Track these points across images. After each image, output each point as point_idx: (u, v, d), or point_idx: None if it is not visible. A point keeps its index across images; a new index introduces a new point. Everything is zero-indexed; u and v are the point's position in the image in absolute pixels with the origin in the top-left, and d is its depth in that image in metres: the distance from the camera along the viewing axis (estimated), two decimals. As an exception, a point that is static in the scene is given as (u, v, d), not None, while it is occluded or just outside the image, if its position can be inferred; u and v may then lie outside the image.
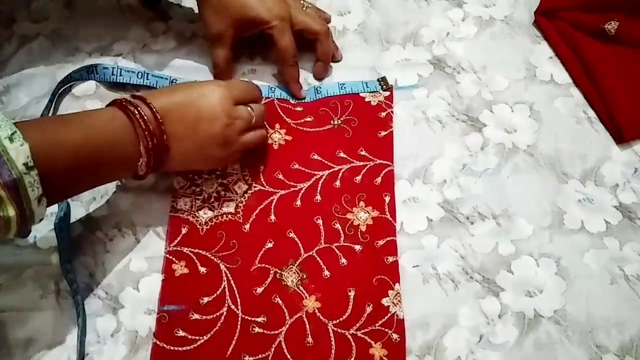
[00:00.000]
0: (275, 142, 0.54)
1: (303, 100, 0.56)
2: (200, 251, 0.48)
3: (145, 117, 0.43)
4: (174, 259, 0.48)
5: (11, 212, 0.36)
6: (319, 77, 0.58)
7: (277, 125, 0.55)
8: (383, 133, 0.54)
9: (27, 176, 0.36)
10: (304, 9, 0.57)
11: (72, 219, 0.50)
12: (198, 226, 0.49)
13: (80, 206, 0.51)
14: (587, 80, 0.58)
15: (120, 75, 0.55)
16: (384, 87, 0.57)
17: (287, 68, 0.55)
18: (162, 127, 0.44)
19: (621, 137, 0.54)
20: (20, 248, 0.49)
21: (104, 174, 0.44)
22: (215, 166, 0.51)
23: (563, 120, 0.56)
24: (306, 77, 0.58)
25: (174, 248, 0.48)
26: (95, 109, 0.45)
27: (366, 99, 0.56)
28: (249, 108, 0.48)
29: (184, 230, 0.49)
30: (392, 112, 0.55)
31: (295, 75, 0.56)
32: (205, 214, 0.50)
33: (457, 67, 0.59)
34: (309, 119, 0.55)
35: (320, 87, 0.57)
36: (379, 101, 0.56)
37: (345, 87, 0.57)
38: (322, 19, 0.59)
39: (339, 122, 0.55)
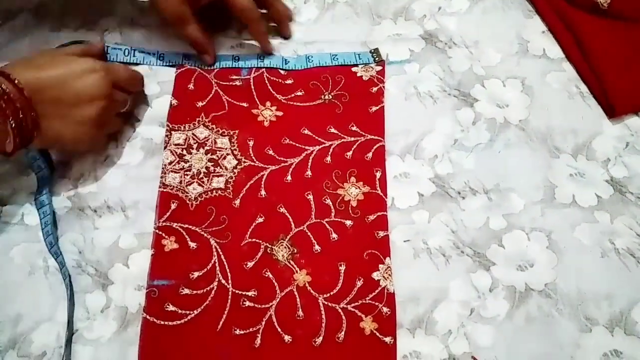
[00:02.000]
0: (266, 119, 0.53)
1: (294, 68, 0.56)
2: (190, 226, 0.48)
3: (11, 95, 0.41)
4: (163, 234, 0.47)
5: None
6: (286, 36, 0.58)
7: (268, 103, 0.54)
8: (374, 108, 0.54)
9: None
10: None
11: (60, 196, 0.50)
12: (187, 201, 0.49)
13: (69, 182, 0.50)
14: (580, 54, 0.57)
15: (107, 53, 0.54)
16: (377, 58, 0.56)
17: (252, 26, 0.55)
18: (30, 103, 0.42)
19: (613, 112, 0.54)
20: (8, 225, 0.48)
21: None
22: (85, 148, 0.50)
23: (555, 95, 0.56)
24: (295, 49, 0.58)
25: (164, 223, 0.48)
26: None
27: (358, 74, 0.55)
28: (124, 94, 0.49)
29: (173, 206, 0.48)
30: (383, 87, 0.55)
31: (260, 29, 0.55)
32: (194, 190, 0.49)
33: (448, 42, 0.58)
34: (299, 94, 0.54)
35: (311, 57, 0.56)
36: (370, 76, 0.55)
37: (337, 58, 0.56)
38: None
39: (330, 97, 0.54)
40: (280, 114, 0.53)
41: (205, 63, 0.55)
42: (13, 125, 0.42)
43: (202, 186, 0.50)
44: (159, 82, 0.55)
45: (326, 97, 0.54)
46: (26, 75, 0.42)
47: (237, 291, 0.45)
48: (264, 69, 0.56)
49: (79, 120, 0.45)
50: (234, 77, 0.55)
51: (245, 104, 0.54)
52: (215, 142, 0.51)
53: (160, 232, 0.47)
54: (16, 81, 0.42)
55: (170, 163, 0.50)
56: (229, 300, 0.45)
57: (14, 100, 0.41)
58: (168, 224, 0.48)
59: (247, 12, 0.53)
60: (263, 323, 0.44)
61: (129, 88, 0.51)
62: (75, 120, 0.45)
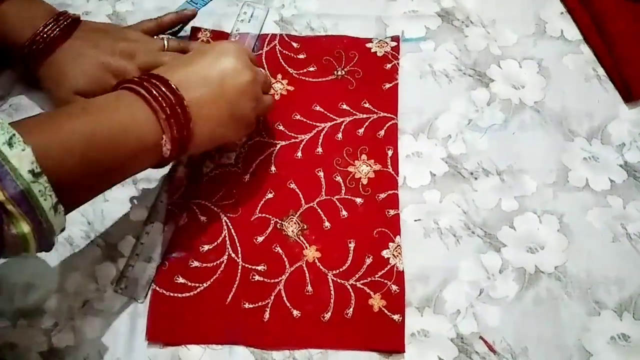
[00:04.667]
0: (276, 92, 0.53)
1: (304, 34, 0.55)
2: (201, 201, 0.47)
3: (158, 88, 0.38)
4: (175, 209, 0.47)
5: (25, 227, 0.31)
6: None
7: (279, 76, 0.53)
8: (388, 85, 0.53)
9: (36, 184, 0.31)
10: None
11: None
12: (199, 177, 0.48)
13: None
14: (598, 37, 0.56)
15: None
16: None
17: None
18: (179, 93, 0.39)
19: (630, 96, 0.53)
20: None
21: (123, 166, 0.38)
22: (244, 131, 0.45)
23: (572, 77, 0.55)
24: (309, 21, 0.57)
25: (176, 199, 0.47)
26: (110, 96, 0.39)
27: (372, 50, 0.55)
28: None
29: (185, 183, 0.48)
30: (397, 63, 0.54)
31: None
32: (206, 167, 0.49)
33: (465, 21, 0.57)
34: (311, 69, 0.54)
35: None
36: (385, 52, 0.55)
37: None
38: (183, 47, 0.52)
39: (343, 72, 0.54)
40: (291, 88, 0.53)
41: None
42: (170, 118, 0.38)
43: (213, 162, 0.49)
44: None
45: (339, 72, 0.54)
46: (173, 72, 0.40)
47: (246, 265, 0.45)
48: (276, 42, 0.55)
49: (232, 96, 0.41)
50: None
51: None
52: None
53: (171, 208, 0.47)
54: (161, 76, 0.39)
55: None
56: (239, 274, 0.45)
57: (162, 93, 0.38)
58: (180, 200, 0.47)
59: None
60: (272, 297, 0.44)
61: (254, 62, 0.46)
62: (229, 97, 0.41)
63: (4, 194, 0.30)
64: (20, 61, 0.48)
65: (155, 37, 0.52)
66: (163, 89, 0.38)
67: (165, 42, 0.51)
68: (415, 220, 0.48)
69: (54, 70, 0.47)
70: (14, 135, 0.31)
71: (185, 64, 0.42)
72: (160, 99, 0.38)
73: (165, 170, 0.49)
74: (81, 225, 0.47)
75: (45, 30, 0.46)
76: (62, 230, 0.35)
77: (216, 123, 0.41)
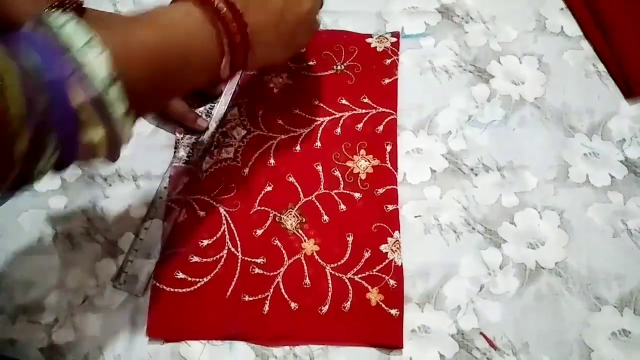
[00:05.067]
0: (275, 85, 0.53)
1: None
2: (200, 196, 0.47)
3: (226, 10, 0.37)
4: (174, 206, 0.47)
5: (100, 132, 0.30)
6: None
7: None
8: (387, 80, 0.53)
9: (112, 89, 0.30)
10: None
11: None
12: (201, 175, 0.49)
13: (78, 150, 0.50)
14: (598, 33, 0.56)
15: None
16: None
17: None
18: (243, 20, 0.38)
19: (630, 92, 0.53)
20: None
21: (185, 79, 0.38)
22: (293, 54, 0.48)
23: (572, 73, 0.55)
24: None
25: (176, 197, 0.47)
26: (166, 6, 0.39)
27: (372, 45, 0.55)
28: None
29: (185, 180, 0.48)
30: (397, 59, 0.54)
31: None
32: (206, 164, 0.49)
33: (465, 17, 0.57)
34: (311, 63, 0.54)
35: None
36: (384, 47, 0.55)
37: None
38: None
39: (342, 67, 0.54)
40: (290, 82, 0.53)
41: (200, 129, 0.50)
42: (232, 41, 0.38)
43: (212, 158, 0.49)
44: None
45: (338, 67, 0.54)
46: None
47: (246, 258, 0.45)
48: None
49: (291, 22, 0.42)
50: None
51: (255, 71, 0.53)
52: (226, 115, 0.51)
53: (171, 204, 0.47)
54: (237, 7, 0.38)
55: (182, 138, 0.50)
56: (238, 267, 0.45)
57: (227, 16, 0.37)
58: (180, 197, 0.47)
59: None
60: (271, 290, 0.44)
61: None
62: (287, 23, 0.42)
63: (83, 96, 0.29)
64: None
65: None
66: (230, 14, 0.38)
67: None
68: (416, 217, 0.48)
69: None
70: (92, 38, 0.30)
71: None
72: (227, 21, 0.37)
73: (164, 167, 0.49)
74: (81, 222, 0.47)
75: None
76: (130, 139, 0.34)
77: (272, 49, 0.42)
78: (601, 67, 0.55)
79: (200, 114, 0.50)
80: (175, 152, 0.49)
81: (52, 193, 0.48)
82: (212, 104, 0.51)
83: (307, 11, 0.43)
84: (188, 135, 0.50)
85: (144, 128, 0.51)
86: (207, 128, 0.50)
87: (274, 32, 0.41)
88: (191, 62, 0.37)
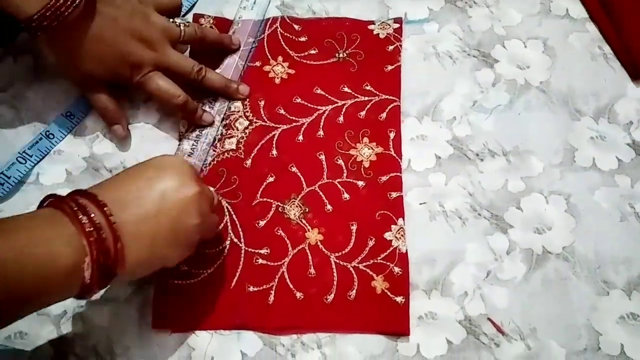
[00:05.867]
0: (277, 75, 0.52)
1: (306, 17, 0.55)
2: None
3: (83, 206, 0.34)
4: None
5: None
6: (243, 95, 0.51)
7: (280, 58, 0.53)
8: (390, 67, 0.52)
9: None
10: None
11: (76, 156, 0.49)
12: (203, 168, 0.49)
13: (83, 143, 0.50)
14: (604, 14, 0.55)
15: None
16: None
17: (176, 109, 0.48)
18: (105, 210, 0.35)
19: (637, 74, 0.53)
20: (23, 184, 0.48)
21: (35, 294, 0.33)
22: (187, 252, 0.39)
23: (577, 56, 0.54)
24: (310, 4, 0.56)
25: None
26: (31, 212, 0.35)
27: (374, 32, 0.54)
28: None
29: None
30: (400, 45, 0.53)
31: (190, 113, 0.49)
32: (209, 156, 0.49)
33: (469, 1, 0.57)
34: (313, 52, 0.53)
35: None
36: (387, 34, 0.54)
37: None
38: (200, 36, 0.50)
39: (345, 55, 0.53)
40: (292, 71, 0.52)
41: (117, 136, 0.49)
42: (99, 258, 0.34)
43: (215, 150, 0.49)
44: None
45: (340, 55, 0.53)
46: (109, 194, 0.36)
47: (249, 249, 0.45)
48: (278, 25, 0.54)
49: (171, 210, 0.37)
50: (250, 39, 0.54)
51: (258, 63, 0.53)
52: (230, 108, 0.51)
53: None
54: (103, 205, 0.35)
55: (187, 131, 0.50)
56: (242, 258, 0.45)
57: (100, 231, 0.34)
58: None
59: (164, 97, 0.47)
60: (276, 280, 0.44)
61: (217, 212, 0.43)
62: (167, 212, 0.37)
63: None
64: (27, 33, 0.43)
65: (171, 20, 0.49)
66: (89, 207, 0.34)
67: (182, 30, 0.49)
68: (421, 204, 0.48)
69: (68, 51, 0.45)
70: None
71: (122, 180, 0.37)
72: (84, 217, 0.34)
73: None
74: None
75: (58, 4, 0.42)
76: None
77: (154, 243, 0.36)
78: (607, 49, 0.54)
79: (203, 105, 0.50)
80: (179, 145, 0.49)
81: (57, 186, 0.48)
82: (214, 98, 0.51)
83: (191, 197, 0.37)
84: (192, 128, 0.50)
85: (147, 119, 0.51)
86: (213, 122, 0.50)
87: (152, 223, 0.36)
88: (49, 281, 0.32)
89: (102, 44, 0.45)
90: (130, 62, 0.46)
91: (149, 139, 0.50)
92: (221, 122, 0.50)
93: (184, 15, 0.55)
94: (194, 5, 0.56)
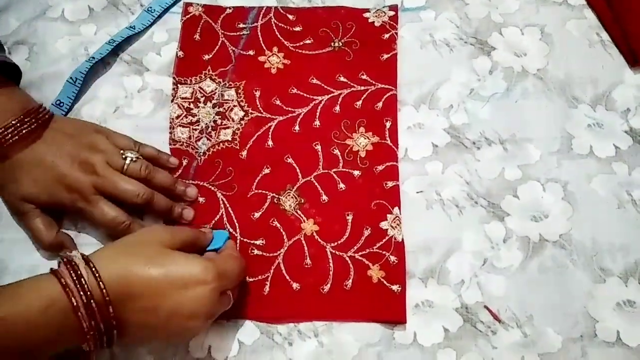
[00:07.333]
0: (272, 66, 0.52)
1: (300, 6, 0.55)
2: (198, 182, 0.47)
3: (90, 296, 0.34)
4: None
5: None
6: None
7: (275, 49, 0.53)
8: (386, 56, 0.52)
9: None
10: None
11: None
12: (197, 157, 0.48)
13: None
14: (602, 1, 0.55)
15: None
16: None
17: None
18: (110, 316, 0.35)
19: (635, 61, 0.52)
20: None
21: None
22: (189, 335, 0.41)
23: (575, 43, 0.54)
24: None
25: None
26: (31, 283, 0.35)
27: (369, 20, 0.54)
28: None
29: (184, 162, 0.48)
30: (396, 33, 0.53)
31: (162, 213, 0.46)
32: (203, 144, 0.49)
33: (465, -12, 0.56)
34: (308, 42, 0.53)
35: None
36: (382, 22, 0.54)
37: None
38: (144, 176, 0.45)
39: (340, 44, 0.53)
40: (287, 62, 0.52)
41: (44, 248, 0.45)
42: (97, 337, 0.35)
43: (210, 140, 0.49)
44: (167, 29, 0.54)
45: (336, 44, 0.53)
46: (113, 268, 0.35)
47: (245, 240, 0.45)
48: (271, 15, 0.54)
49: (171, 332, 0.37)
50: (241, 25, 0.53)
51: (252, 52, 0.53)
52: (223, 95, 0.51)
53: None
54: (100, 279, 0.35)
55: (178, 117, 0.50)
56: (238, 249, 0.45)
57: (94, 304, 0.34)
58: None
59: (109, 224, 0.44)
60: (272, 271, 0.44)
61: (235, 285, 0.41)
62: (166, 332, 0.37)
63: None
64: None
65: (122, 152, 0.45)
66: (100, 299, 0.34)
67: (127, 164, 0.45)
68: (417, 192, 0.48)
69: (7, 174, 0.44)
70: None
71: (129, 255, 0.37)
72: (79, 290, 0.34)
73: (163, 148, 0.49)
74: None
75: (7, 132, 0.42)
76: None
77: (147, 333, 0.38)
78: (605, 36, 0.54)
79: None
80: (171, 134, 0.49)
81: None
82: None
83: (201, 295, 0.37)
84: (184, 114, 0.49)
85: (141, 109, 0.51)
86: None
87: (149, 332, 0.37)
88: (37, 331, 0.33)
89: (40, 168, 0.43)
90: (67, 185, 0.43)
91: (143, 128, 0.50)
92: (213, 109, 0.50)
93: (174, 3, 0.55)
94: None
